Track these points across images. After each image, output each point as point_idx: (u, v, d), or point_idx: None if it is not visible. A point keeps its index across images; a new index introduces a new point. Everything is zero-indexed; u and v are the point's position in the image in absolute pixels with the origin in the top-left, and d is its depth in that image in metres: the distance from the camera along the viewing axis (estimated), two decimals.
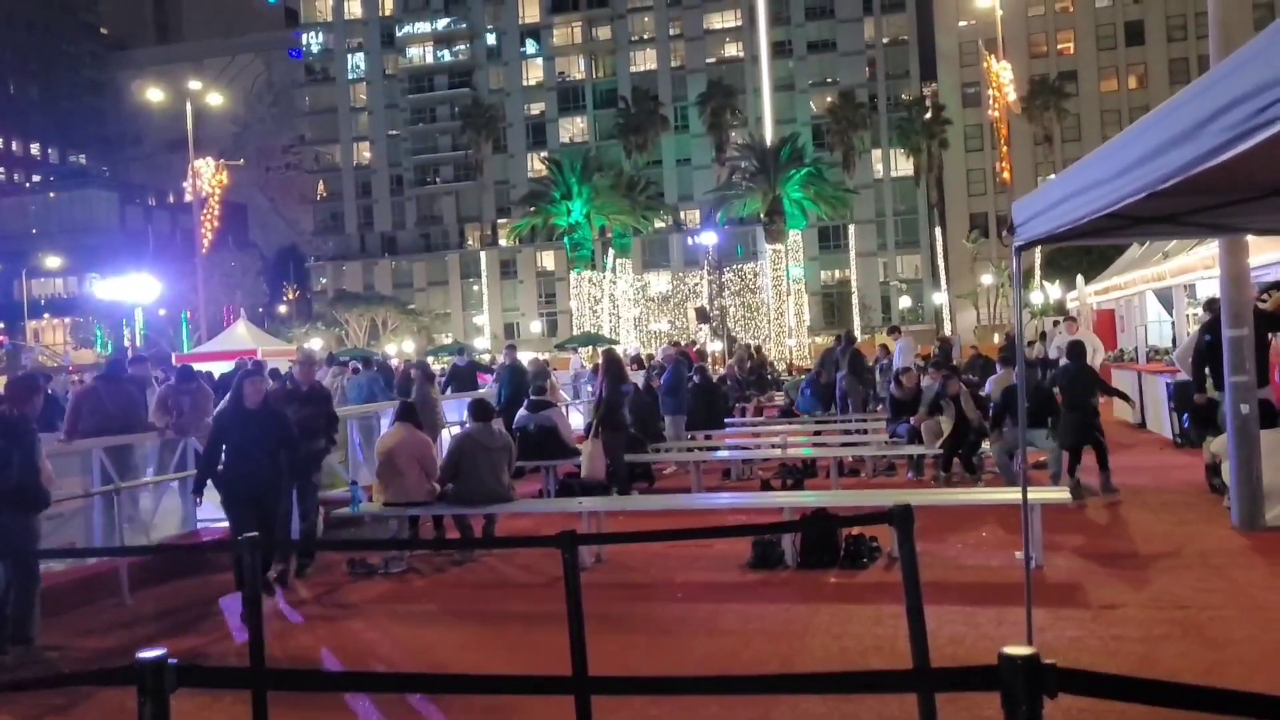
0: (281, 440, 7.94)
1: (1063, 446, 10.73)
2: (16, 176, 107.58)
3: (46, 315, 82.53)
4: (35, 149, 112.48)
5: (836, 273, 76.19)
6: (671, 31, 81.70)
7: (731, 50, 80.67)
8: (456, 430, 12.66)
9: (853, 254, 72.34)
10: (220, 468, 7.84)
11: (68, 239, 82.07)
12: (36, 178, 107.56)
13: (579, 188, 50.28)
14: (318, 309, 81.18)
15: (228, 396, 8.42)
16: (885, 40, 78.85)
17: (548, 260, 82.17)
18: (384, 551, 9.12)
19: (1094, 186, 4.20)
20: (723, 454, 14.30)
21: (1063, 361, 12.99)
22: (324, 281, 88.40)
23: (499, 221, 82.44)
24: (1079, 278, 25.61)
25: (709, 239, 48.03)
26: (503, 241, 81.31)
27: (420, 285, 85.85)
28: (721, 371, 22.92)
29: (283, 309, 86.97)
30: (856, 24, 78.67)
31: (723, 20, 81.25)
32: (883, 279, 78.10)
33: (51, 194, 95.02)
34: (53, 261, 76.23)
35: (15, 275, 73.49)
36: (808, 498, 10.50)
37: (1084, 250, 36.13)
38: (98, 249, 79.01)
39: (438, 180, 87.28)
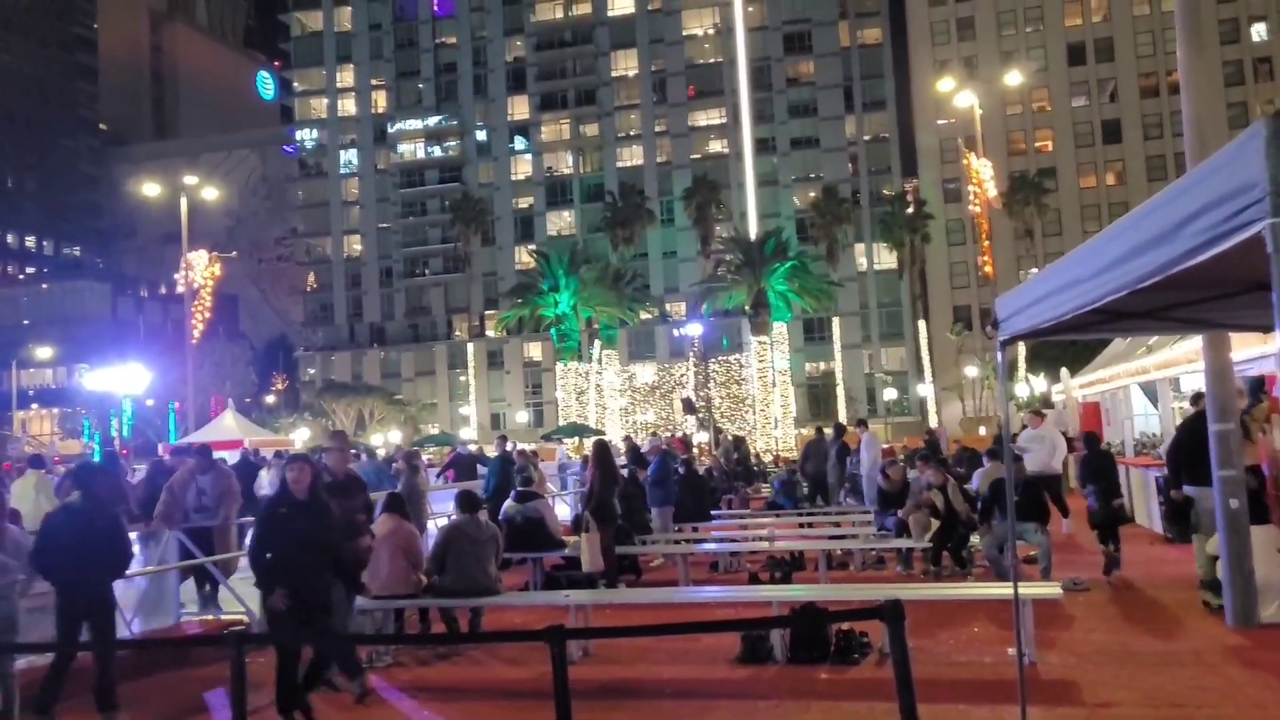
0: (329, 535, 7.27)
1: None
2: (10, 268, 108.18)
3: (35, 405, 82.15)
4: (30, 241, 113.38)
5: (822, 364, 76.67)
6: (657, 128, 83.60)
7: (716, 146, 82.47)
8: (444, 521, 12.57)
9: (838, 346, 72.94)
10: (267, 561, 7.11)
11: (59, 330, 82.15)
12: (31, 270, 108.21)
13: (566, 280, 50.78)
14: (306, 399, 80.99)
15: (268, 485, 8.06)
16: (867, 137, 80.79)
17: (534, 351, 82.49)
18: (369, 645, 8.95)
19: (1075, 284, 4.31)
20: (710, 546, 14.18)
21: (1030, 455, 13.86)
22: (312, 372, 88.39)
23: (486, 313, 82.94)
24: (1064, 370, 25.81)
25: (694, 330, 48.38)
26: (490, 332, 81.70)
27: (408, 375, 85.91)
28: (708, 463, 22.87)
29: (271, 399, 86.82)
30: (838, 121, 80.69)
31: (708, 118, 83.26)
32: (867, 370, 78.57)
33: (44, 285, 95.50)
34: (43, 352, 76.20)
35: (5, 366, 73.35)
36: (796, 591, 10.40)
37: (1069, 343, 36.53)
38: (89, 340, 79.06)
39: (427, 272, 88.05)
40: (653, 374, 52.23)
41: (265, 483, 15.35)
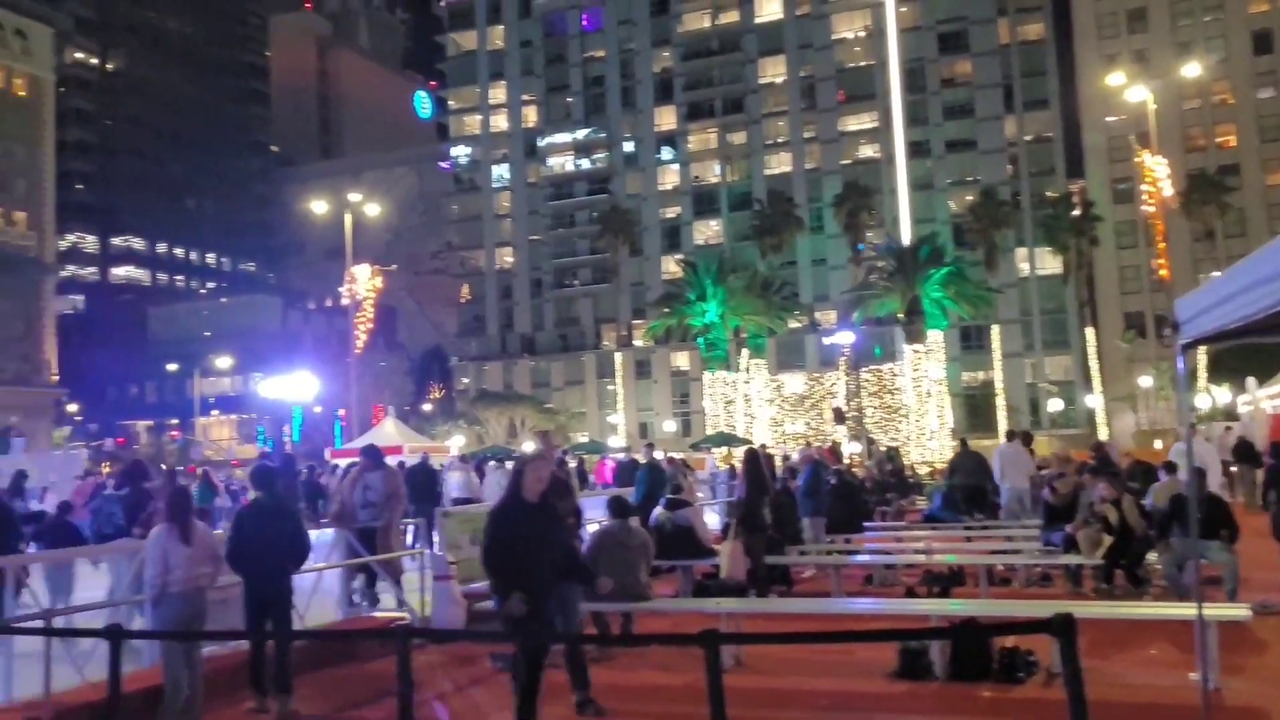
0: (563, 538, 7.08)
1: None
2: (193, 284, 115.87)
3: (215, 412, 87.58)
4: (210, 258, 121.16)
5: (980, 374, 73.96)
6: (806, 134, 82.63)
7: (867, 151, 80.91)
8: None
9: (997, 354, 70.23)
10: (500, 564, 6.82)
11: (236, 341, 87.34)
12: (211, 285, 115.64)
13: (714, 289, 50.75)
14: (460, 408, 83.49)
15: (505, 487, 7.52)
16: (1028, 138, 77.70)
17: (681, 360, 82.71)
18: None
19: (1264, 283, 4.02)
20: (864, 558, 13.86)
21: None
22: (466, 381, 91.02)
23: (634, 322, 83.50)
24: (1250, 380, 24.14)
25: (845, 339, 47.53)
26: (638, 342, 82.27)
27: (557, 385, 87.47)
28: (860, 474, 22.40)
29: (427, 407, 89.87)
30: (997, 122, 77.89)
31: (858, 122, 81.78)
32: (1030, 380, 75.36)
33: (223, 300, 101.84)
34: (222, 362, 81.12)
35: (189, 375, 78.56)
36: (956, 606, 10.05)
37: (1254, 350, 34.10)
38: (262, 350, 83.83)
39: (576, 283, 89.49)
40: (802, 383, 51.60)
41: (453, 484, 15.73)
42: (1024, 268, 75.78)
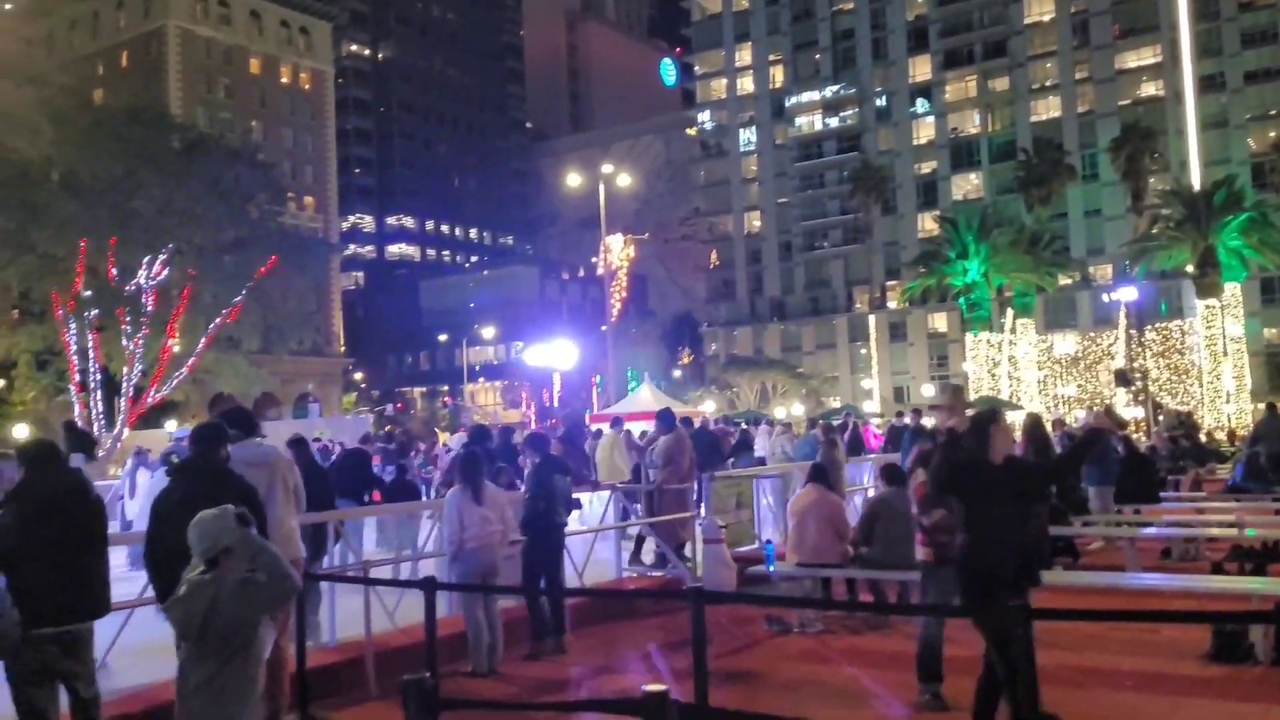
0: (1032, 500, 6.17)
1: None
2: (458, 258, 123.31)
3: (481, 379, 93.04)
4: (473, 233, 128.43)
5: None
6: (1077, 75, 76.77)
7: (1149, 89, 74.17)
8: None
9: None
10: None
11: (498, 312, 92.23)
12: (474, 258, 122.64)
13: (975, 246, 48.33)
14: (711, 373, 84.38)
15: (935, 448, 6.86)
16: None
17: (940, 322, 79.65)
18: (800, 611, 9.08)
19: None
20: (1157, 530, 12.79)
21: None
22: (715, 347, 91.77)
23: (888, 284, 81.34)
24: None
25: (1126, 295, 43.94)
26: (892, 304, 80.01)
27: (808, 349, 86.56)
28: (1148, 441, 20.71)
29: (677, 373, 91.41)
30: None
31: (1138, 58, 75.06)
32: None
33: (485, 272, 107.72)
34: (487, 332, 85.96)
35: (457, 345, 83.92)
36: (1276, 585, 9.07)
37: None
38: (521, 319, 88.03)
39: (826, 245, 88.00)
40: (1074, 344, 48.38)
41: (760, 449, 15.81)
42: None
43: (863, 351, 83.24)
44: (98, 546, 5.54)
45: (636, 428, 19.83)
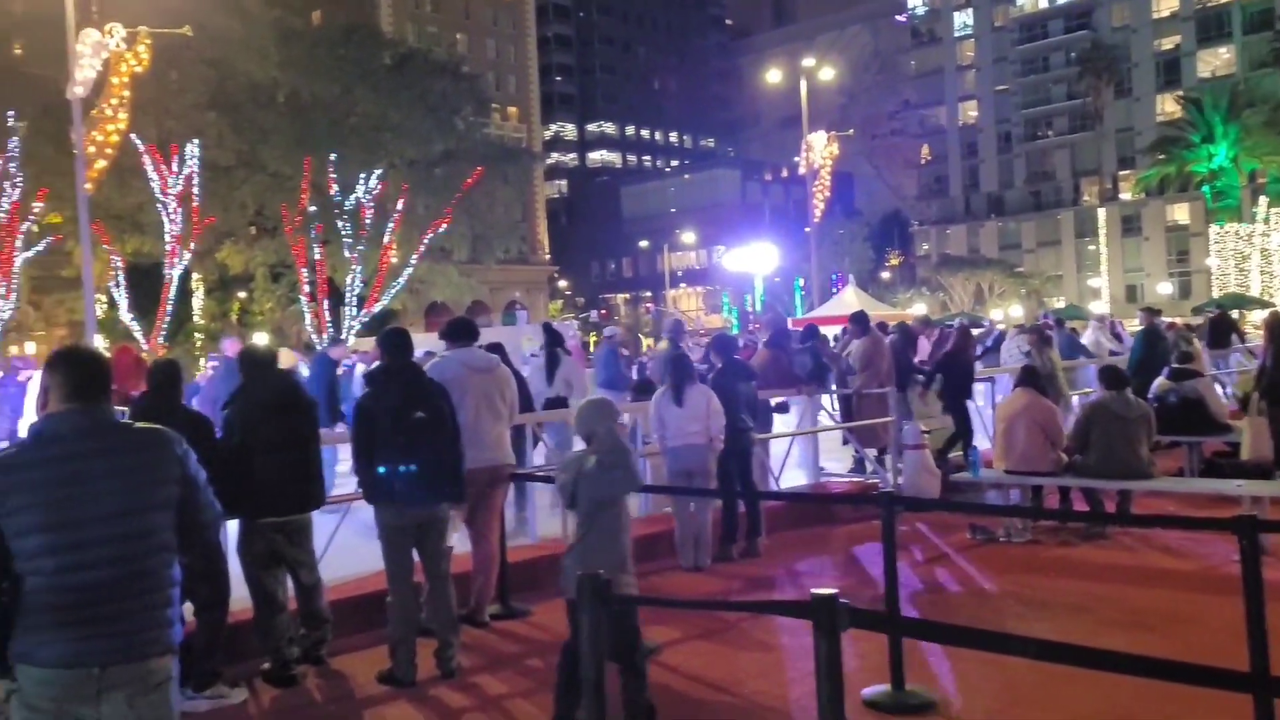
0: None
1: None
2: (659, 163, 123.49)
3: (683, 285, 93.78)
4: (674, 137, 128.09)
5: None
6: None
7: None
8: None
9: None
10: None
11: (699, 215, 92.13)
12: (675, 162, 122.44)
13: (1224, 128, 44.06)
14: (921, 274, 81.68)
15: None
16: None
17: (1180, 213, 73.56)
18: (1006, 520, 8.71)
19: None
20: None
21: None
22: (926, 247, 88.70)
23: (1120, 173, 75.81)
24: None
25: None
26: (1124, 195, 74.48)
27: (1029, 246, 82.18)
28: None
29: (886, 275, 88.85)
30: None
31: None
32: None
33: (686, 176, 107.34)
34: (687, 237, 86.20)
35: (659, 250, 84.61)
36: None
37: None
38: (723, 223, 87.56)
39: (1050, 133, 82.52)
40: None
41: (1005, 355, 15.26)
42: None
43: (1090, 248, 78.29)
44: (311, 444, 5.94)
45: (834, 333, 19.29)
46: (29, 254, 25.15)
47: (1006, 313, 60.94)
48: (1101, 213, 77.07)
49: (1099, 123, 76.03)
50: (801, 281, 60.36)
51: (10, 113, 25.14)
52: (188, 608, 5.28)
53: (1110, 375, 8.93)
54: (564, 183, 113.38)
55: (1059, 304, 67.54)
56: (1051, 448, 8.75)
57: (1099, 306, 65.96)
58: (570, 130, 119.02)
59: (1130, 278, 76.02)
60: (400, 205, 31.74)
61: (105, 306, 31.10)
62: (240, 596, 5.78)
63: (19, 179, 23.49)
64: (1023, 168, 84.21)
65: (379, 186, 31.04)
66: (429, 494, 5.65)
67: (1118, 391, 8.67)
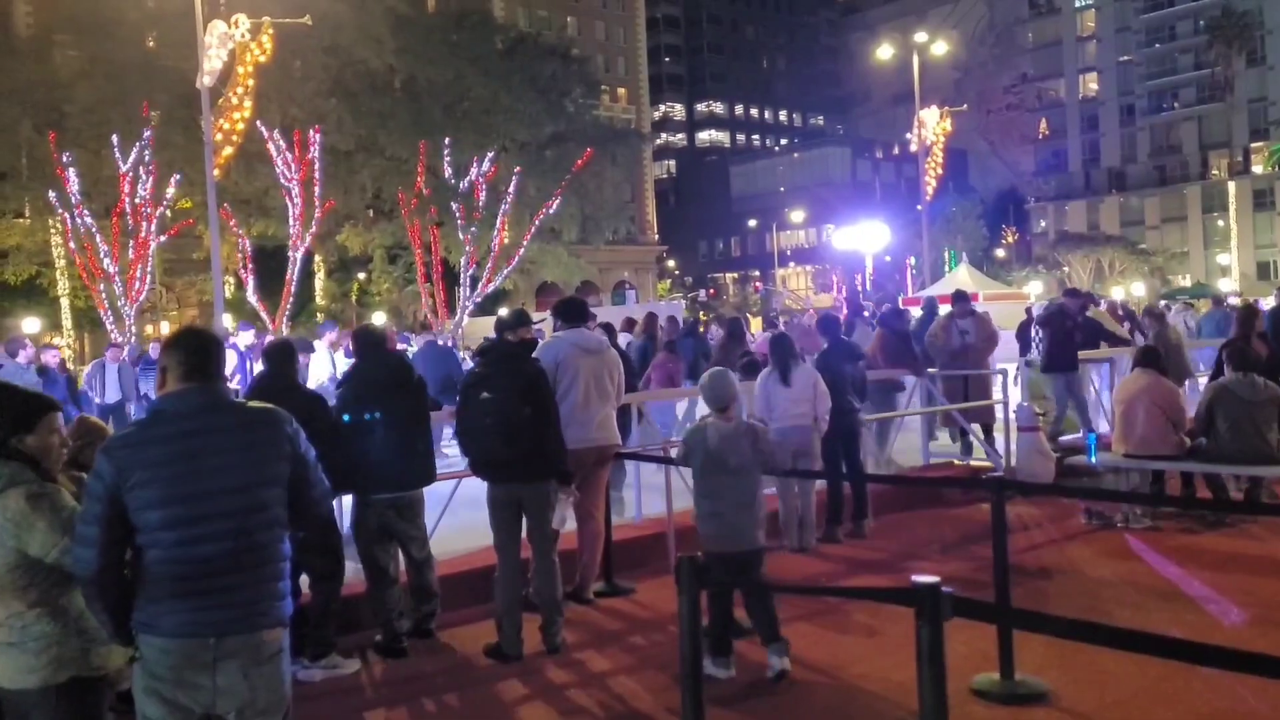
0: None
1: None
2: (768, 141, 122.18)
3: (792, 264, 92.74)
4: (783, 115, 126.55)
5: None
6: None
7: None
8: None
9: None
10: None
11: (808, 194, 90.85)
12: (784, 141, 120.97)
13: None
14: (1038, 252, 79.08)
15: None
16: None
17: None
18: (1126, 505, 8.42)
19: None
20: None
21: None
22: (1044, 223, 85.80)
23: (1252, 145, 71.94)
24: None
25: None
26: (1257, 169, 70.63)
27: (1152, 223, 78.71)
28: None
29: (1000, 253, 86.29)
30: None
31: None
32: None
33: (795, 154, 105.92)
34: (796, 215, 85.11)
35: (767, 229, 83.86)
36: None
37: None
38: (833, 201, 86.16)
39: (1176, 105, 78.74)
40: None
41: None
42: None
43: (1219, 223, 74.60)
44: (422, 421, 6.11)
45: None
46: (162, 238, 26.25)
47: (1128, 290, 58.57)
48: (1231, 186, 73.36)
49: (1229, 93, 72.17)
50: (913, 259, 59.06)
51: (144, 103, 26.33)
52: (304, 580, 5.52)
53: (1237, 355, 8.53)
54: (672, 163, 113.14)
55: (1184, 281, 64.70)
56: (1173, 430, 8.41)
57: (1227, 284, 62.89)
58: (679, 110, 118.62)
59: (1263, 254, 72.27)
60: (512, 187, 32.19)
61: (233, 288, 32.47)
62: (354, 569, 6.00)
63: (153, 166, 24.54)
64: (1146, 141, 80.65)
65: (491, 169, 31.52)
66: (522, 472, 5.77)
67: (1244, 373, 8.28)
